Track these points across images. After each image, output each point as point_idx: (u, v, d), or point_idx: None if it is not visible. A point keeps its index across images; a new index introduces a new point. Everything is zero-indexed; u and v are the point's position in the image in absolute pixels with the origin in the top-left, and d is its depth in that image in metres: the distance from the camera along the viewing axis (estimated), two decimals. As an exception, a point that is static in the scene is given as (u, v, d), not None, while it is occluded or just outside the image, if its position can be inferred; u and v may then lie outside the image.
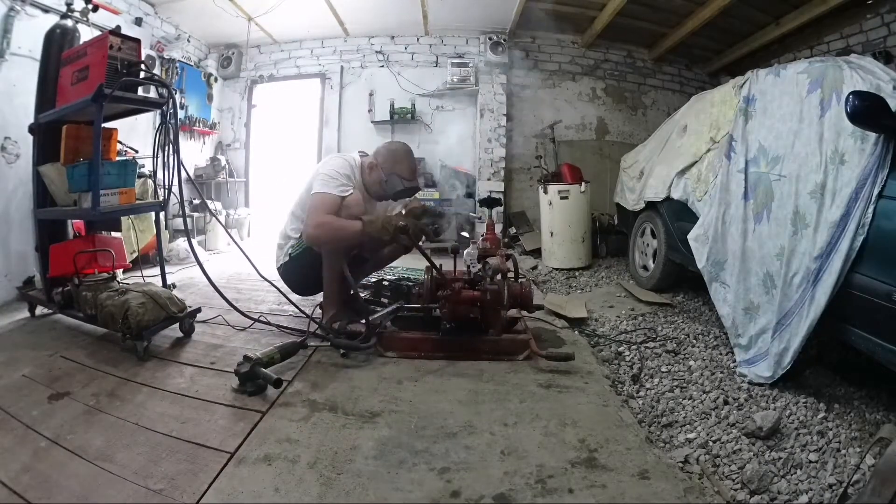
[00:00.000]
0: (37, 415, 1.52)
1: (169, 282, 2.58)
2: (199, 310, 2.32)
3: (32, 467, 1.26)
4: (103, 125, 2.20)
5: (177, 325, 2.19)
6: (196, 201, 4.77)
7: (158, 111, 2.59)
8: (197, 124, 5.14)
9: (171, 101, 2.34)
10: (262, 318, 2.37)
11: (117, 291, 2.12)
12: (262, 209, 5.93)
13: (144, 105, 2.60)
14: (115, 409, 1.57)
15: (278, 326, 2.33)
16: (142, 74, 2.27)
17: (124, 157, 2.89)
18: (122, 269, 2.84)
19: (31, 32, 2.80)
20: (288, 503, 1.14)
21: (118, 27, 2.42)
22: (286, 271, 2.39)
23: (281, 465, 1.27)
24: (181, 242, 4.20)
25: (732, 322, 2.16)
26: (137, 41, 2.23)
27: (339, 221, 2.07)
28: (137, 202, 2.52)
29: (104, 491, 1.17)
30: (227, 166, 5.41)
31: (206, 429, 1.46)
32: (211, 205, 4.90)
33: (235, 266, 3.78)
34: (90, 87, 2.05)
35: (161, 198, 2.51)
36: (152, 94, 2.90)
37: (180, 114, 4.69)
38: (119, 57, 2.11)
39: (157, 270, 2.61)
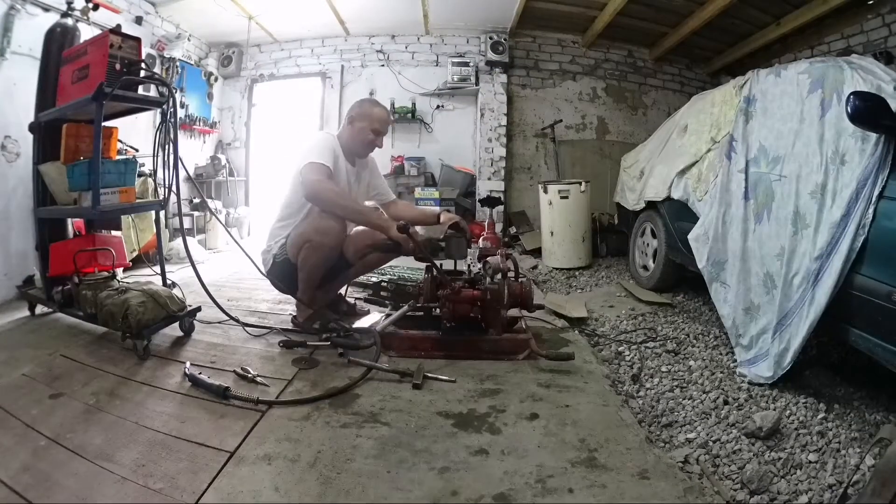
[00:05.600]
0: (36, 413, 1.52)
1: (169, 280, 2.58)
2: (199, 308, 2.32)
3: (32, 466, 1.26)
4: (103, 124, 2.20)
5: (177, 323, 2.19)
6: (196, 200, 4.77)
7: (159, 110, 2.59)
8: (197, 123, 5.14)
9: (171, 99, 2.34)
10: (256, 325, 2.36)
11: (117, 290, 2.11)
12: (262, 208, 5.94)
13: (145, 104, 2.60)
14: (114, 407, 1.56)
15: (269, 328, 2.30)
16: (142, 73, 2.27)
17: (124, 156, 2.89)
18: (122, 268, 2.84)
19: (31, 31, 2.79)
20: (288, 503, 1.14)
21: (118, 26, 2.42)
22: (276, 274, 2.31)
23: (281, 465, 1.27)
24: (181, 241, 4.20)
25: (733, 322, 2.16)
26: (138, 40, 2.23)
27: (342, 190, 2.22)
28: (137, 201, 2.52)
29: (104, 490, 1.17)
30: (227, 165, 5.41)
31: (205, 428, 1.46)
32: (211, 203, 4.91)
33: (236, 265, 3.78)
34: (90, 86, 2.05)
35: (161, 196, 2.51)
36: (152, 92, 2.90)
37: (181, 113, 4.69)
38: (119, 56, 2.11)
39: (157, 269, 2.61)
